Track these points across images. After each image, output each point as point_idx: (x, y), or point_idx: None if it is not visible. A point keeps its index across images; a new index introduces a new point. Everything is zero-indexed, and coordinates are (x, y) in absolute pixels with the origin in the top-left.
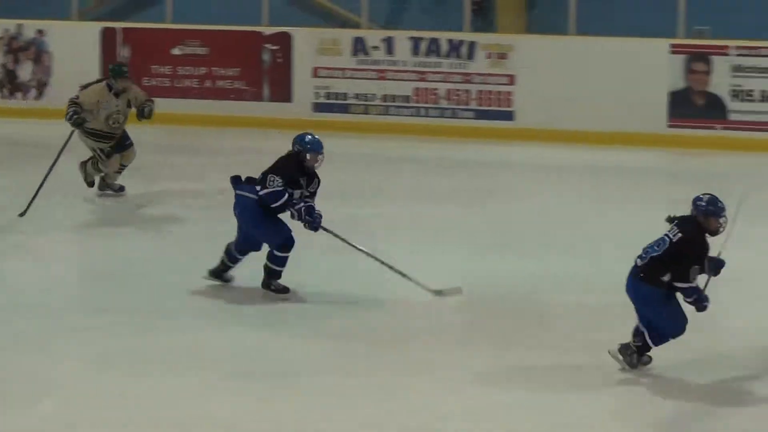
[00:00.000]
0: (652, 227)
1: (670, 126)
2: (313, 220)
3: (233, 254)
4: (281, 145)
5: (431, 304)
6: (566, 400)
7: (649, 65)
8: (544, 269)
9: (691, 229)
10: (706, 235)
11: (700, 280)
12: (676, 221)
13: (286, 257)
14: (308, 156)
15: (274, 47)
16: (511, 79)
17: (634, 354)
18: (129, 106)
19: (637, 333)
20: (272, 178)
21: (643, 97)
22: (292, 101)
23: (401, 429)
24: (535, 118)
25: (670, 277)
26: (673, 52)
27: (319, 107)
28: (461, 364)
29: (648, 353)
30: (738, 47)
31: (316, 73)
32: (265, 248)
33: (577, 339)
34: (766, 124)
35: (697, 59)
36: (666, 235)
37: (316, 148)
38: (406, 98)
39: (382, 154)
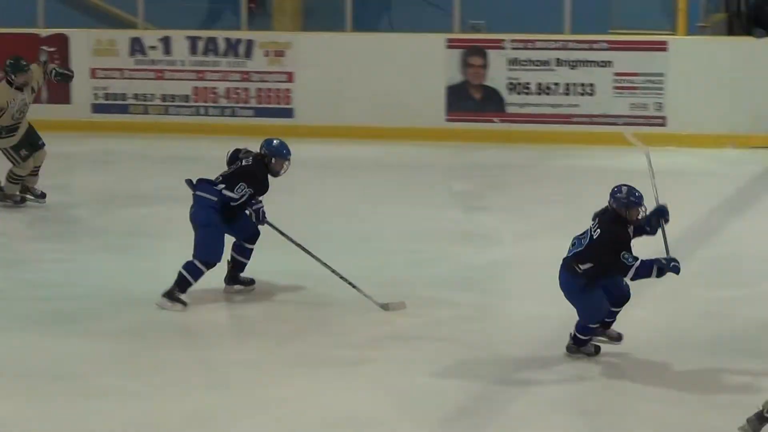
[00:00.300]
0: (428, 221)
1: (448, 120)
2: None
3: (242, 247)
4: (58, 149)
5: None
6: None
7: (426, 60)
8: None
9: (610, 224)
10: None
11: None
12: (596, 217)
13: (203, 274)
14: (274, 161)
15: (51, 49)
16: (289, 77)
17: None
18: (33, 91)
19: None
20: (241, 187)
21: (422, 92)
22: (70, 103)
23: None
24: (314, 114)
25: (602, 270)
26: (450, 47)
27: (97, 108)
28: (254, 359)
29: (591, 343)
30: (513, 41)
31: (94, 74)
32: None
33: (360, 333)
34: (543, 116)
35: (473, 53)
36: (589, 229)
37: (285, 155)
38: (186, 98)
39: (159, 155)
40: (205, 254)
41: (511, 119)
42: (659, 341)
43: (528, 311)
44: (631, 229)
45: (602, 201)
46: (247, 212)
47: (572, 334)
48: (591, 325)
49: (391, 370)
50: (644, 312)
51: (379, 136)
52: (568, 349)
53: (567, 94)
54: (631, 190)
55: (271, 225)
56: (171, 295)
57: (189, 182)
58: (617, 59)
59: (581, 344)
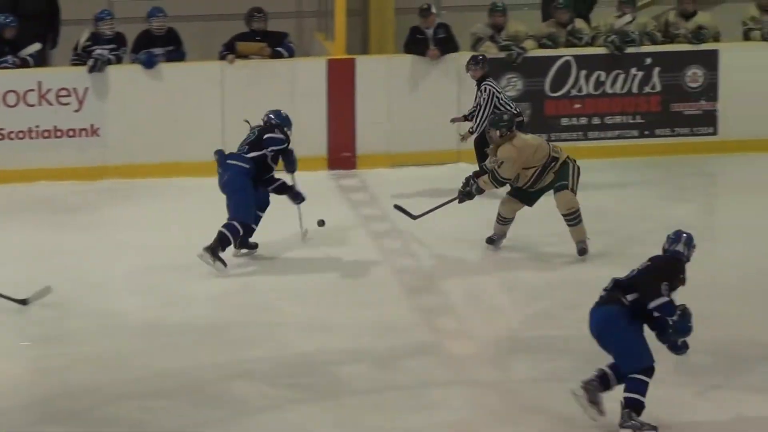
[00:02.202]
0: None
1: None
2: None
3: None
4: None
5: None
6: None
7: None
8: None
9: (667, 259)
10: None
11: None
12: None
13: (239, 234)
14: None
15: None
16: None
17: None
18: None
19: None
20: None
21: None
22: None
23: None
24: None
25: (638, 297)
26: None
27: None
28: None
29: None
30: None
31: None
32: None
33: None
34: None
35: None
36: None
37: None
38: None
39: None
40: (243, 216)
41: None
42: None
43: None
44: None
45: None
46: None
47: (622, 401)
48: (639, 375)
49: None
50: None
51: None
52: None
53: None
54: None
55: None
56: (214, 252)
57: (219, 153)
58: None
59: (640, 408)
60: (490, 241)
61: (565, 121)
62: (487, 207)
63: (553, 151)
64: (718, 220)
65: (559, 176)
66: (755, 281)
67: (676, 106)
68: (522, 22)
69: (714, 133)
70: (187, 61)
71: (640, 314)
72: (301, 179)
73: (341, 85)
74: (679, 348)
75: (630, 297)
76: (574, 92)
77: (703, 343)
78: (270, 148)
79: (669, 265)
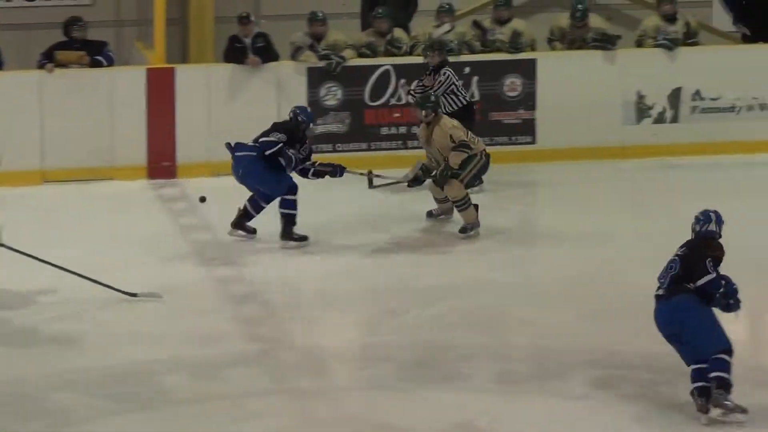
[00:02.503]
0: None
1: None
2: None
3: (258, 204)
4: None
5: None
6: None
7: None
8: None
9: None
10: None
11: None
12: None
13: (296, 200)
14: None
15: None
16: None
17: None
18: None
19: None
20: (275, 134)
21: None
22: None
23: None
24: None
25: (693, 280)
26: None
27: None
28: None
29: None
30: None
31: None
32: None
33: None
34: None
35: None
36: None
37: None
38: None
39: None
40: (285, 188)
41: None
42: None
43: None
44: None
45: None
46: (282, 161)
47: (700, 387)
48: (722, 355)
49: None
50: None
51: None
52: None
53: None
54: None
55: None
56: (290, 235)
57: (228, 146)
58: None
59: (729, 387)
60: (430, 214)
61: (384, 130)
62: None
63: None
64: (536, 227)
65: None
66: (572, 287)
67: (494, 114)
68: (341, 32)
69: (533, 142)
70: (5, 71)
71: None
72: (120, 189)
73: (161, 94)
74: (731, 306)
75: (693, 284)
76: (393, 101)
77: (518, 350)
78: (267, 151)
79: (707, 244)
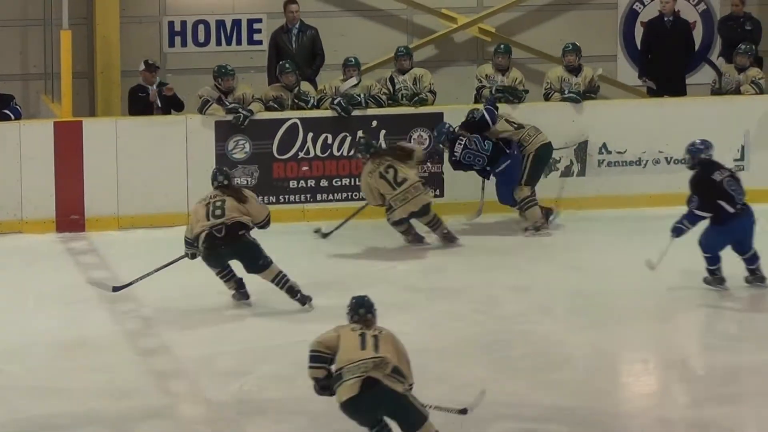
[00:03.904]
0: None
1: None
2: None
3: None
4: None
5: None
6: None
7: None
8: None
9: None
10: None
11: None
12: None
13: None
14: None
15: None
16: None
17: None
18: None
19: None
20: None
21: None
22: None
23: None
24: None
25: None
26: None
27: None
28: None
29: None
30: None
31: None
32: None
33: None
34: None
35: None
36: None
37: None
38: None
39: None
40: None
41: None
42: None
43: None
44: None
45: None
46: None
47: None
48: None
49: None
50: None
51: None
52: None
53: None
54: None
55: None
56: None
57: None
58: None
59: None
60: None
61: (293, 184)
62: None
63: None
64: (446, 281)
65: None
66: (482, 341)
67: None
68: (248, 85)
69: (441, 195)
70: None
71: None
72: (29, 242)
73: (69, 147)
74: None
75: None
76: (301, 155)
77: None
78: None
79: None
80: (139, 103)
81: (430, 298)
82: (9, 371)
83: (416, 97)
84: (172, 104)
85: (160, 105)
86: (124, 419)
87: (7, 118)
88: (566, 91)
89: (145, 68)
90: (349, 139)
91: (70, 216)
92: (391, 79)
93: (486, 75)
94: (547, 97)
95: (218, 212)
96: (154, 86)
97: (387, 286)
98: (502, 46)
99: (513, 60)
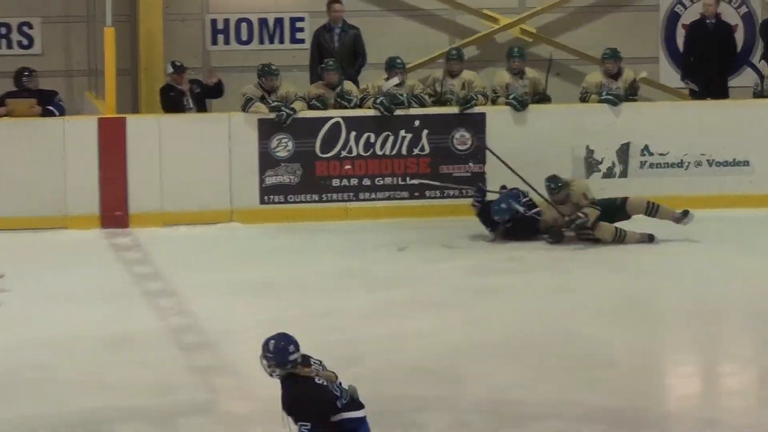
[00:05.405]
0: None
1: None
2: None
3: None
4: None
5: None
6: None
7: None
8: None
9: None
10: None
11: None
12: None
13: None
14: None
15: None
16: None
17: None
18: None
19: None
20: None
21: None
22: None
23: None
24: None
25: None
26: None
27: None
28: None
29: None
30: None
31: None
32: None
33: None
34: None
35: None
36: None
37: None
38: None
39: None
40: None
41: None
42: None
43: None
44: None
45: None
46: None
47: None
48: None
49: None
50: None
51: None
52: None
53: None
54: None
55: None
56: None
57: None
58: None
59: None
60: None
61: (335, 182)
62: (265, 262)
63: None
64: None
65: None
66: (528, 339)
67: (444, 168)
68: (292, 84)
69: (483, 197)
70: None
71: None
72: (73, 238)
73: (112, 143)
74: None
75: None
76: (344, 153)
77: (474, 401)
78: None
79: None
80: (169, 102)
81: (473, 297)
82: (55, 365)
83: (468, 102)
84: (212, 93)
85: (192, 105)
86: (169, 414)
87: (51, 114)
88: (604, 93)
89: (174, 71)
90: (391, 138)
91: (114, 212)
92: (440, 81)
93: (506, 84)
94: (583, 100)
95: None
96: (184, 86)
97: (430, 286)
98: (516, 49)
99: (555, 62)
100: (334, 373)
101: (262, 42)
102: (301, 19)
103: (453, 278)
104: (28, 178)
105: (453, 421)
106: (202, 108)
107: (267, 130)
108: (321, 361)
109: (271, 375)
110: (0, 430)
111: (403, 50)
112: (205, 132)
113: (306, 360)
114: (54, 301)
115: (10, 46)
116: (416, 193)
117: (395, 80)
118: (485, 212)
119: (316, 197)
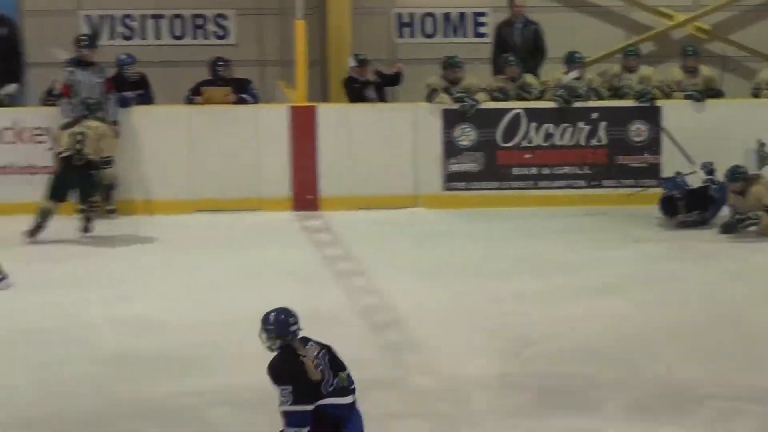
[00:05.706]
0: None
1: None
2: None
3: None
4: None
5: None
6: None
7: None
8: None
9: None
10: None
11: None
12: None
13: None
14: None
15: None
16: None
17: None
18: None
19: None
20: None
21: None
22: None
23: None
24: None
25: None
26: None
27: None
28: None
29: None
30: None
31: None
32: None
33: None
34: None
35: None
36: None
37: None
38: None
39: None
40: None
41: None
42: None
43: None
44: None
45: None
46: None
47: None
48: None
49: None
50: None
51: None
52: None
53: None
54: None
55: None
56: None
57: None
58: None
59: None
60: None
61: (516, 171)
62: (447, 246)
63: None
64: (658, 266)
65: None
66: (694, 324)
67: (621, 158)
68: (474, 75)
69: (658, 186)
70: (156, 105)
71: None
72: (266, 220)
73: (303, 131)
74: None
75: None
76: (524, 143)
77: (648, 380)
78: None
79: None
80: (353, 93)
81: (646, 283)
82: (249, 341)
83: (644, 96)
84: (390, 82)
85: (374, 95)
86: (360, 388)
87: (245, 102)
88: None
89: (357, 65)
90: (570, 129)
91: (305, 196)
92: (618, 77)
93: (678, 82)
94: (755, 95)
95: None
96: (365, 78)
97: (603, 271)
98: (690, 48)
99: (733, 58)
100: (322, 370)
101: (446, 35)
102: (484, 14)
103: (626, 265)
104: (224, 162)
105: (631, 400)
106: (381, 97)
107: (450, 119)
108: (330, 347)
109: (270, 349)
110: (202, 400)
111: (581, 45)
112: (392, 121)
113: (305, 341)
114: (248, 280)
115: (206, 36)
116: (593, 183)
117: (574, 74)
118: (668, 200)
119: (496, 185)
